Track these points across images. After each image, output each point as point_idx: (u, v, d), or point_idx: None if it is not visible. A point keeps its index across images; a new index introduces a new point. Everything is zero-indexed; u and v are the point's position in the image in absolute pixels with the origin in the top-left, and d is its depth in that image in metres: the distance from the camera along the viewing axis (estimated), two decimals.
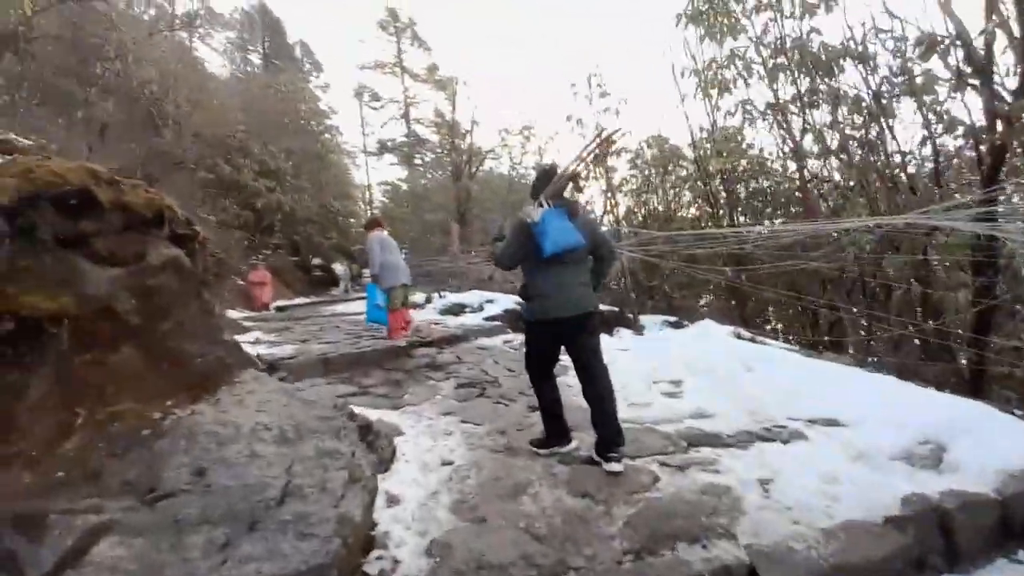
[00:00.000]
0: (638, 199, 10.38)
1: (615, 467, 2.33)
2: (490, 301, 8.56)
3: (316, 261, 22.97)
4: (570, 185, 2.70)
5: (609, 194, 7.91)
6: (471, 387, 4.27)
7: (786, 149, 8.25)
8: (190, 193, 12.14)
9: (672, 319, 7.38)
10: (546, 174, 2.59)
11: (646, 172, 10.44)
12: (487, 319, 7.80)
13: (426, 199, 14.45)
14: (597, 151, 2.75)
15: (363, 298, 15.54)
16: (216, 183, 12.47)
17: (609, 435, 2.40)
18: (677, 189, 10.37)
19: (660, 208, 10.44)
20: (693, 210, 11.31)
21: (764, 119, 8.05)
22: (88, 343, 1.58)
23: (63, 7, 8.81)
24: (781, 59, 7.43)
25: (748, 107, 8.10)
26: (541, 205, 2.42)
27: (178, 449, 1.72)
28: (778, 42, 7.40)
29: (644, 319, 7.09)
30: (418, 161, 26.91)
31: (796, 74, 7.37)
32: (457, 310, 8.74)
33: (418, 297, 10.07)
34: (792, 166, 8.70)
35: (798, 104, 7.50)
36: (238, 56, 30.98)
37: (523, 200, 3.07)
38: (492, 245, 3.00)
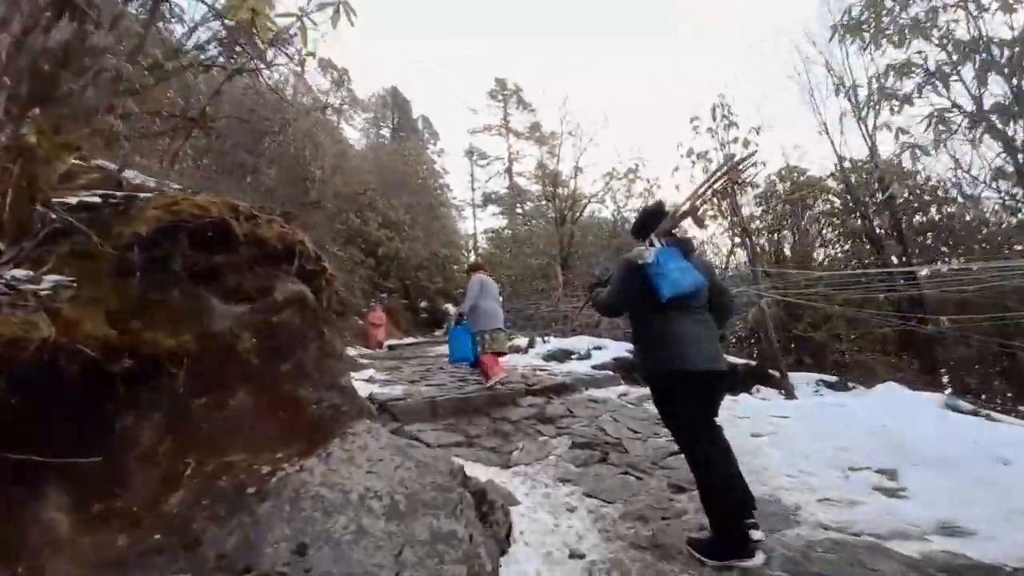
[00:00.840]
0: (769, 237, 9.09)
1: (758, 534, 1.88)
2: (598, 348, 7.93)
3: (423, 304, 24.78)
4: (686, 221, 2.35)
5: (739, 230, 6.95)
6: (589, 449, 3.68)
7: (985, 170, 6.54)
8: (325, 236, 13.84)
9: (829, 378, 5.99)
10: (656, 211, 2.33)
11: (778, 208, 9.18)
12: (596, 367, 7.16)
13: (528, 243, 14.58)
14: (726, 180, 2.28)
15: None
16: (346, 232, 13.99)
17: (745, 497, 1.96)
18: (819, 224, 8.88)
19: (796, 247, 9.00)
20: (836, 249, 9.59)
21: (971, 129, 6.41)
22: (205, 385, 1.45)
23: (242, 95, 10.97)
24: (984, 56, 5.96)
25: (947, 115, 6.42)
26: (652, 244, 2.14)
27: (282, 516, 1.47)
28: (981, 42, 5.99)
29: (792, 377, 5.84)
30: (519, 211, 28.12)
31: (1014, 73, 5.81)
32: (562, 356, 8.24)
33: (520, 341, 9.83)
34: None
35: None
36: (372, 131, 36.28)
37: (629, 244, 2.66)
38: (591, 292, 2.64)
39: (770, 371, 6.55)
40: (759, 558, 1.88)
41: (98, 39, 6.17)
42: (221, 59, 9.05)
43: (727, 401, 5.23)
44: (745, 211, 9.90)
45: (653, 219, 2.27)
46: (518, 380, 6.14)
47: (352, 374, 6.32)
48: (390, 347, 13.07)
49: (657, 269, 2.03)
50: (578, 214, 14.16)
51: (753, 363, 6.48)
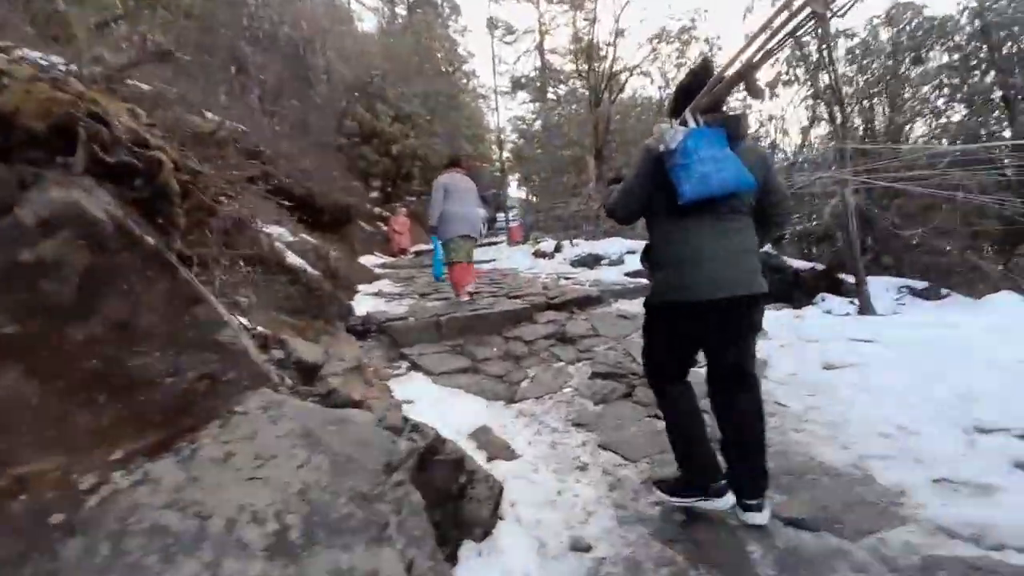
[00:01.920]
0: (860, 106, 7.19)
1: (758, 518, 1.61)
2: (632, 252, 7.04)
3: None
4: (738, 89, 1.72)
5: (832, 95, 5.31)
6: (613, 380, 3.08)
7: None
8: (330, 134, 12.84)
9: (915, 284, 4.92)
10: (698, 75, 1.67)
11: (876, 66, 7.09)
12: (629, 275, 6.37)
13: (558, 134, 12.85)
14: (791, 27, 1.47)
15: (493, 243, 15.31)
16: (358, 131, 12.85)
17: (755, 473, 1.65)
18: (932, 83, 6.85)
19: (893, 117, 7.13)
20: (944, 120, 7.57)
21: None
22: None
23: None
24: None
25: None
26: (684, 124, 1.60)
27: (93, 563, 0.95)
28: None
29: (870, 283, 4.84)
30: (551, 94, 25.07)
31: None
32: (591, 262, 7.44)
33: (546, 245, 9.06)
34: None
35: None
36: (387, 9, 32.26)
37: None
38: (607, 188, 2.03)
39: (841, 276, 5.53)
40: (729, 498, 1.64)
41: None
42: None
43: (786, 317, 4.45)
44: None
45: (693, 88, 1.65)
46: (538, 291, 5.51)
47: (361, 287, 5.92)
48: (416, 253, 12.67)
49: (681, 159, 1.51)
50: (616, 92, 12.01)
51: (820, 267, 5.47)
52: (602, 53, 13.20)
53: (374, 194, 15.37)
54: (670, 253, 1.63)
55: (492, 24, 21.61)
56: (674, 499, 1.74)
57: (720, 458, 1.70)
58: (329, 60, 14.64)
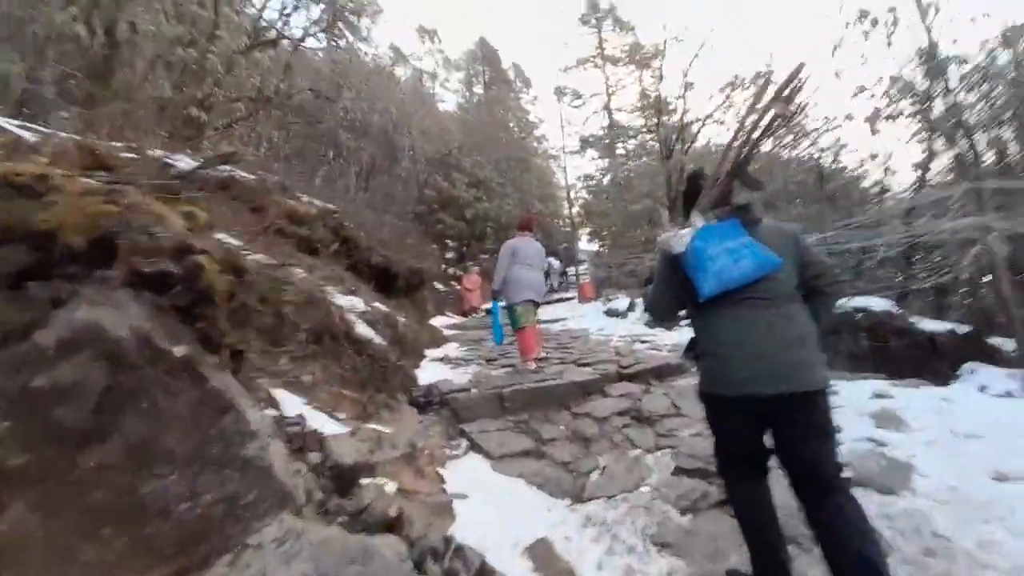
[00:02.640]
0: (988, 135, 6.11)
1: None
2: None
3: None
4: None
5: (947, 123, 4.55)
6: (701, 479, 2.57)
7: None
8: (410, 204, 13.89)
9: None
10: (692, 182, 1.78)
11: (998, 89, 6.09)
12: None
13: (628, 188, 12.67)
14: (775, 115, 1.59)
15: (564, 300, 15.04)
16: (437, 199, 13.78)
17: None
18: None
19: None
20: None
21: None
22: None
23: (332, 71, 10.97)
24: None
25: None
26: (692, 224, 1.61)
27: None
28: None
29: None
30: (620, 150, 25.40)
31: None
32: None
33: (618, 303, 8.62)
34: None
35: None
36: (466, 91, 35.94)
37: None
38: (643, 288, 1.87)
39: (991, 340, 4.46)
40: None
41: (167, 29, 6.02)
42: (297, 33, 8.76)
43: (928, 399, 3.55)
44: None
45: (692, 192, 1.74)
46: (611, 357, 5.09)
47: (428, 351, 5.95)
48: (486, 311, 12.81)
49: (692, 259, 1.54)
50: (689, 143, 11.69)
51: (962, 329, 4.43)
52: (671, 107, 13.16)
53: (449, 255, 16.16)
54: (708, 345, 1.60)
55: (559, 92, 22.81)
56: None
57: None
58: (413, 139, 16.24)
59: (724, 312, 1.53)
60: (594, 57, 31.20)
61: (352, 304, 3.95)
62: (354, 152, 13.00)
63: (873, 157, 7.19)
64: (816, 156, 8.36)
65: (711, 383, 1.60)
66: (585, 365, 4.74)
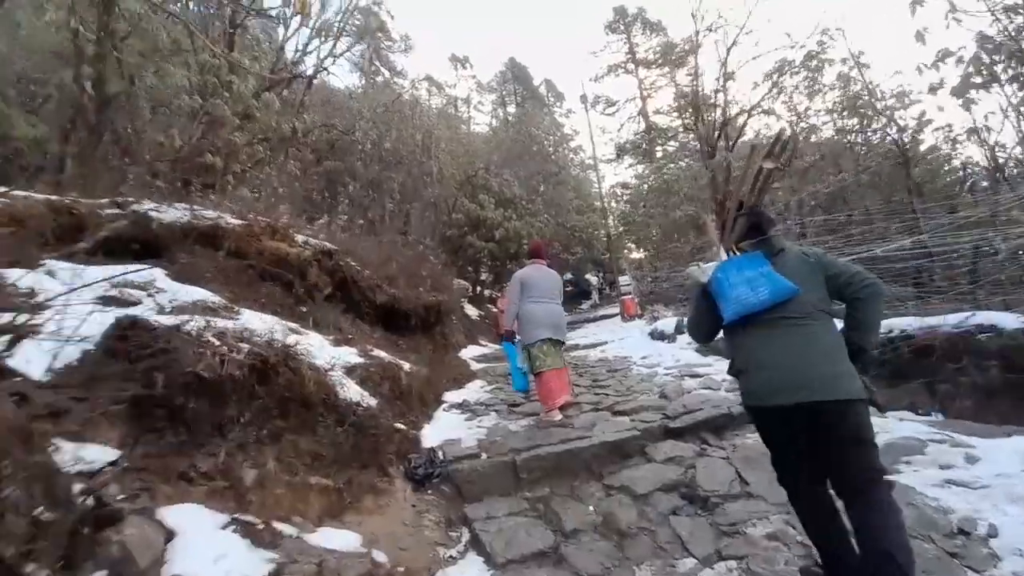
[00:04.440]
0: None
1: None
2: None
3: (567, 277, 23.98)
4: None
5: None
6: None
7: None
8: (439, 228, 13.61)
9: None
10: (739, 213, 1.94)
11: None
12: None
13: (669, 193, 11.59)
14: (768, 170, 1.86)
15: (607, 317, 14.05)
16: (467, 221, 13.43)
17: None
18: None
19: None
20: None
21: None
22: None
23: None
24: None
25: None
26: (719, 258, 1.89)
27: None
28: None
29: None
30: (660, 153, 24.16)
31: None
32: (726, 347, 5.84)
33: (665, 323, 7.60)
34: None
35: None
36: (499, 111, 36.33)
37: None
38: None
39: None
40: None
41: (174, 79, 5.90)
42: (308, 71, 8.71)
43: None
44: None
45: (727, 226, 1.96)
46: (655, 401, 4.21)
47: (447, 395, 5.33)
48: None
49: (716, 287, 1.80)
50: (735, 138, 10.48)
51: None
52: (711, 101, 12.05)
53: (484, 275, 15.71)
54: (740, 362, 1.80)
55: (583, 100, 22.11)
56: None
57: None
58: (442, 163, 16.11)
59: (752, 332, 1.73)
60: (625, 63, 30.38)
61: (339, 358, 3.43)
62: (381, 183, 12.94)
63: (971, 133, 5.79)
64: (893, 137, 7.00)
65: (748, 396, 1.79)
66: (622, 414, 3.93)
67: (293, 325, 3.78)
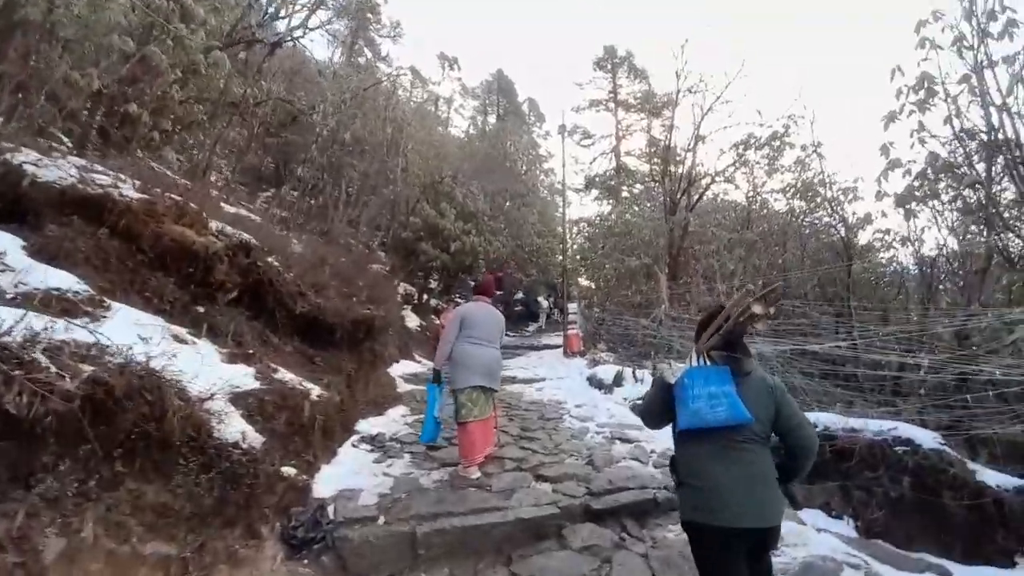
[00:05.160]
0: None
1: None
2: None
3: (518, 296, 23.83)
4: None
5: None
6: None
7: None
8: (396, 230, 12.97)
9: None
10: (711, 317, 1.97)
11: None
12: None
13: (627, 236, 11.79)
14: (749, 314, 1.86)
15: (549, 347, 13.92)
16: (424, 227, 12.89)
17: None
18: None
19: None
20: None
21: None
22: None
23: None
24: None
25: None
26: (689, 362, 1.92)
27: None
28: None
29: None
30: (625, 194, 24.86)
31: None
32: None
33: (604, 371, 7.52)
34: None
35: None
36: (480, 119, 36.11)
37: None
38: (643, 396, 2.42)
39: None
40: None
41: (110, 13, 5.03)
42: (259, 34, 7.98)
43: None
44: None
45: (707, 324, 1.96)
46: (581, 467, 3.96)
47: (361, 424, 4.78)
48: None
49: (679, 392, 1.81)
50: (696, 198, 10.85)
51: None
52: (679, 158, 12.49)
53: (433, 284, 15.13)
54: (685, 474, 1.82)
55: (563, 129, 22.47)
56: None
57: None
58: (409, 161, 15.48)
59: (703, 445, 1.77)
60: (607, 100, 31.42)
61: (226, 382, 2.87)
62: (341, 168, 12.14)
63: (904, 242, 6.25)
64: (837, 229, 7.44)
65: (691, 511, 1.78)
66: (545, 480, 3.63)
67: (180, 330, 3.17)
